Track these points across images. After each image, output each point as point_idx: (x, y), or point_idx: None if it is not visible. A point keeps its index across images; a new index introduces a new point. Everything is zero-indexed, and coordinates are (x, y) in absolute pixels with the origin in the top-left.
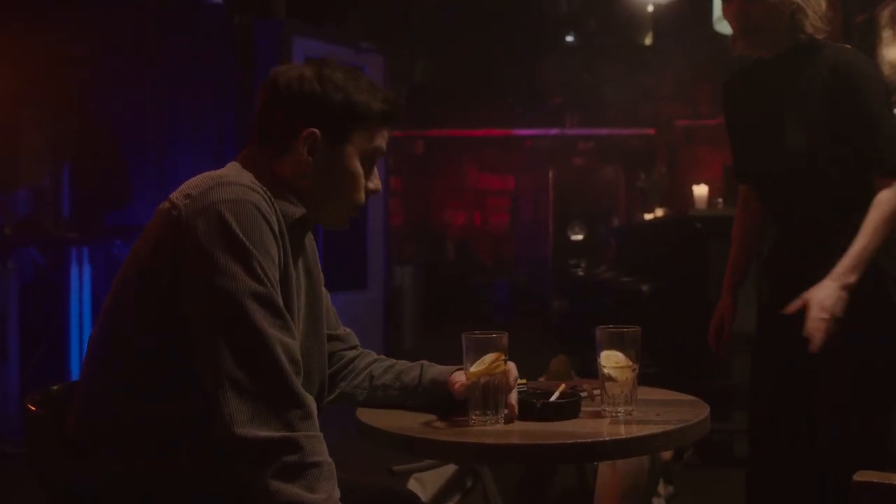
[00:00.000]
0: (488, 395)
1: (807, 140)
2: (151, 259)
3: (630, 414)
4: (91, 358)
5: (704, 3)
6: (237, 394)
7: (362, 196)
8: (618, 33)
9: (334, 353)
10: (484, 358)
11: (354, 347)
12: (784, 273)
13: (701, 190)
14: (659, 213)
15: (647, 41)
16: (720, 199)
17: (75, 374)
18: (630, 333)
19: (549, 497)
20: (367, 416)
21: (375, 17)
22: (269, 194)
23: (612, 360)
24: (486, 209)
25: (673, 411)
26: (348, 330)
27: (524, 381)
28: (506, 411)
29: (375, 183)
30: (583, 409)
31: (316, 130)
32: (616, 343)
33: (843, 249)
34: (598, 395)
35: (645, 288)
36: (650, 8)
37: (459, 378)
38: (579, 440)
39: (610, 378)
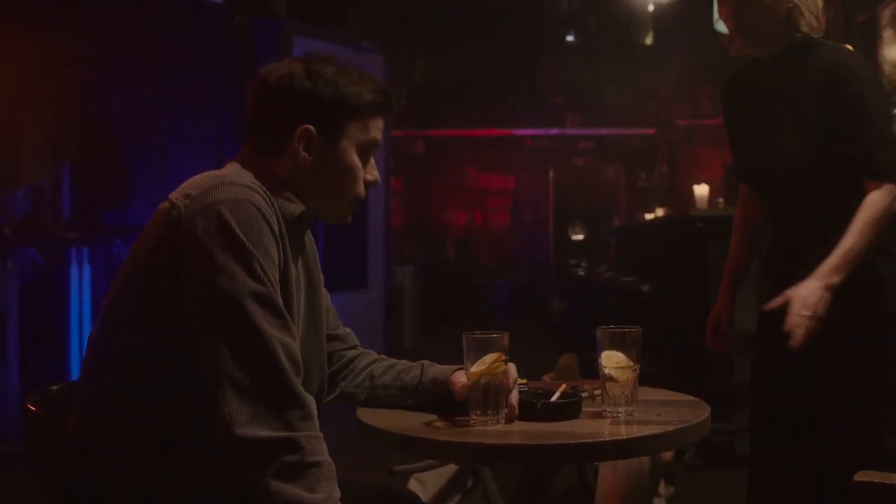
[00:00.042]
0: (489, 395)
1: (802, 140)
2: (151, 259)
3: (631, 414)
4: (90, 358)
5: (705, 2)
6: (237, 394)
7: (362, 188)
8: (618, 33)
9: (334, 353)
10: (485, 358)
11: (354, 347)
12: (784, 273)
13: (702, 190)
14: (660, 212)
15: (648, 41)
16: (721, 199)
17: (75, 374)
18: (631, 334)
19: (549, 497)
20: (368, 415)
21: (375, 16)
22: (268, 194)
23: (612, 361)
24: (487, 209)
25: (674, 412)
26: (348, 330)
27: (524, 381)
28: (506, 411)
29: (374, 174)
30: (583, 409)
31: (310, 127)
32: (617, 343)
33: None
34: (598, 396)
35: (646, 288)
36: (651, 7)
37: (461, 379)
38: (580, 440)
39: (611, 378)
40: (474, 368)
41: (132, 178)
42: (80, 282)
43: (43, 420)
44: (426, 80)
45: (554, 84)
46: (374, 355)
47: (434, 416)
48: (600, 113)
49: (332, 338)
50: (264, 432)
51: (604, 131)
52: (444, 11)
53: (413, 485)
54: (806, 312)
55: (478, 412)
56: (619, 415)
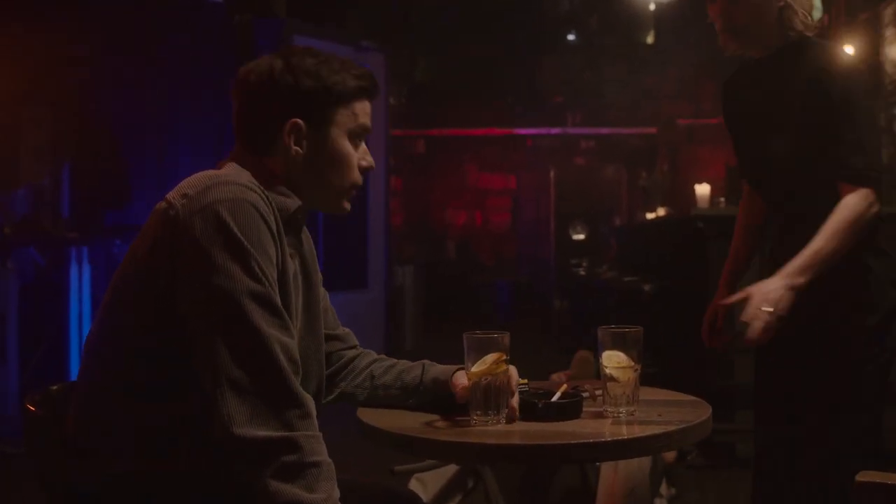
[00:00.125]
0: (490, 395)
1: (791, 140)
2: (149, 259)
3: (632, 414)
4: (89, 358)
5: (705, 1)
6: (236, 393)
7: (358, 174)
8: (619, 32)
9: (333, 353)
10: (485, 358)
11: (354, 347)
12: None
13: (703, 189)
14: (661, 212)
15: (649, 40)
16: (722, 199)
17: (75, 374)
18: (632, 333)
19: (550, 498)
20: (368, 415)
21: (376, 16)
22: (265, 193)
23: (614, 361)
24: (487, 209)
25: (675, 412)
26: (347, 330)
27: (525, 381)
28: (506, 411)
29: (368, 159)
30: (584, 409)
31: (298, 120)
32: (618, 343)
33: None
34: (599, 396)
35: (647, 287)
36: (652, 6)
37: (461, 381)
38: (581, 440)
39: (612, 378)
40: (475, 368)
41: (132, 178)
42: (80, 282)
43: (43, 420)
44: (426, 80)
45: (555, 83)
46: (374, 355)
47: (435, 416)
48: (601, 112)
49: (331, 338)
50: (263, 432)
51: (605, 131)
52: (445, 11)
53: (414, 485)
54: (766, 308)
55: (478, 412)
56: (621, 415)
